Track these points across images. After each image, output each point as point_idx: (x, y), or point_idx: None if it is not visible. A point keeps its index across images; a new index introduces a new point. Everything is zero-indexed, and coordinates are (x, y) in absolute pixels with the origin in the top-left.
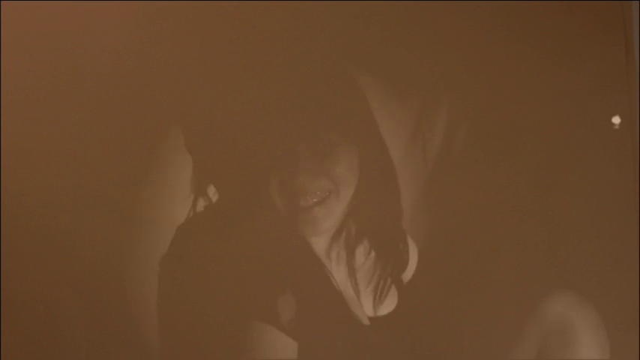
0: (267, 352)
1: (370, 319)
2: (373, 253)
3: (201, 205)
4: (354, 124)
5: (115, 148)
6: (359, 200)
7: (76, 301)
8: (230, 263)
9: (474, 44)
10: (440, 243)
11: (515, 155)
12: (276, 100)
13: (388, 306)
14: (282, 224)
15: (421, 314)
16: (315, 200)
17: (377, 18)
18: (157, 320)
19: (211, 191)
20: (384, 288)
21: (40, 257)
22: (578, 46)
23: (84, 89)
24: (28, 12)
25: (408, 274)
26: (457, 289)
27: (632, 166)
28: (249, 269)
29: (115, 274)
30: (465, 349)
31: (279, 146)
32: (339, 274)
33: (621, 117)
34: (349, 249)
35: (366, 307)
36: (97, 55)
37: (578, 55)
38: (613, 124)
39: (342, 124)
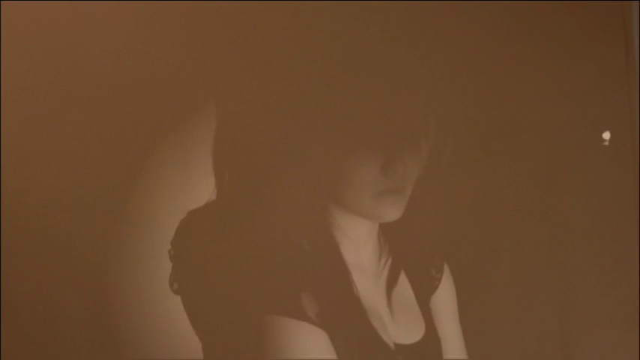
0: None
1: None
2: (403, 275)
3: (201, 205)
4: (354, 124)
5: (115, 148)
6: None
7: (76, 301)
8: (230, 263)
9: (474, 44)
10: (440, 243)
11: (515, 155)
12: (276, 100)
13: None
14: (282, 224)
15: (319, 265)
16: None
17: (377, 18)
18: (157, 320)
19: (211, 191)
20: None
21: (40, 257)
22: (578, 46)
23: (84, 89)
24: (28, 12)
25: (435, 301)
26: (457, 289)
27: (632, 166)
28: (249, 269)
29: (115, 274)
30: (465, 348)
31: (279, 146)
32: (366, 289)
33: (621, 117)
34: (383, 262)
35: (394, 331)
36: (97, 55)
37: (578, 55)
38: (603, 140)
39: (342, 124)
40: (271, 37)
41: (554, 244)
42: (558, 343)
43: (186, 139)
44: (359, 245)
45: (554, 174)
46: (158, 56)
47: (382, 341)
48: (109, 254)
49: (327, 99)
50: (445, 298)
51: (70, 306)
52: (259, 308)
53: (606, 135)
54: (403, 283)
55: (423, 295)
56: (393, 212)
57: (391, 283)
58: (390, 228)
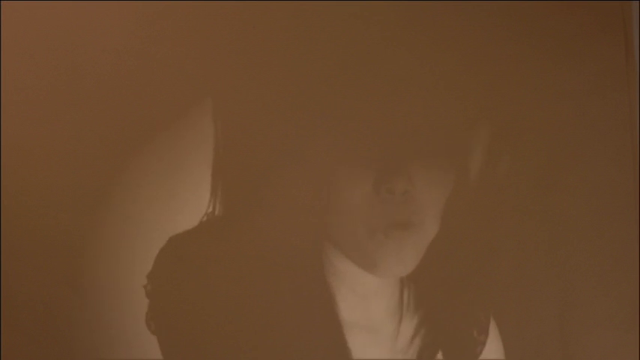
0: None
1: None
2: (423, 330)
3: (200, 205)
4: (354, 124)
5: (115, 148)
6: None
7: (76, 301)
8: (230, 263)
9: (474, 44)
10: (440, 243)
11: (515, 155)
12: (276, 100)
13: None
14: (282, 224)
15: (309, 319)
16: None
17: (377, 18)
18: (157, 320)
19: (211, 191)
20: None
21: (40, 257)
22: (578, 46)
23: (84, 89)
24: (28, 12)
25: None
26: (457, 289)
27: (632, 166)
28: (249, 269)
29: (115, 274)
30: (465, 348)
31: (279, 146)
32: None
33: (621, 117)
34: (399, 319)
35: None
36: (97, 55)
37: (578, 55)
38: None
39: (342, 124)
40: (271, 37)
41: (554, 244)
42: (558, 343)
43: (186, 139)
44: (367, 300)
45: (554, 174)
46: (158, 56)
47: None
48: (109, 254)
49: (327, 99)
50: None
51: (70, 306)
52: (259, 308)
53: None
54: (431, 349)
55: None
56: (394, 262)
57: (413, 350)
58: None
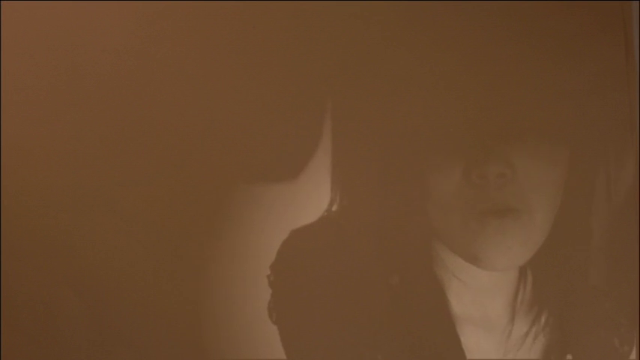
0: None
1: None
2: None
3: (201, 204)
4: (354, 124)
5: (115, 148)
6: None
7: (76, 301)
8: (230, 263)
9: (474, 44)
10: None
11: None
12: (276, 100)
13: None
14: (281, 223)
15: (420, 314)
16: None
17: (377, 18)
18: (157, 320)
19: (211, 191)
20: None
21: (40, 257)
22: (578, 46)
23: (84, 89)
24: (28, 12)
25: None
26: (586, 286)
27: (632, 166)
28: (249, 269)
29: (115, 274)
30: (465, 349)
31: (279, 146)
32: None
33: (621, 117)
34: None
35: None
36: (97, 55)
37: (578, 55)
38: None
39: (342, 124)
40: (271, 37)
41: (554, 244)
42: (558, 343)
43: (186, 139)
44: (482, 295)
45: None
46: (158, 56)
47: None
48: (109, 254)
49: (327, 99)
50: None
51: (70, 306)
52: (259, 308)
53: None
54: (557, 352)
55: None
56: (496, 254)
57: (526, 349)
58: None
